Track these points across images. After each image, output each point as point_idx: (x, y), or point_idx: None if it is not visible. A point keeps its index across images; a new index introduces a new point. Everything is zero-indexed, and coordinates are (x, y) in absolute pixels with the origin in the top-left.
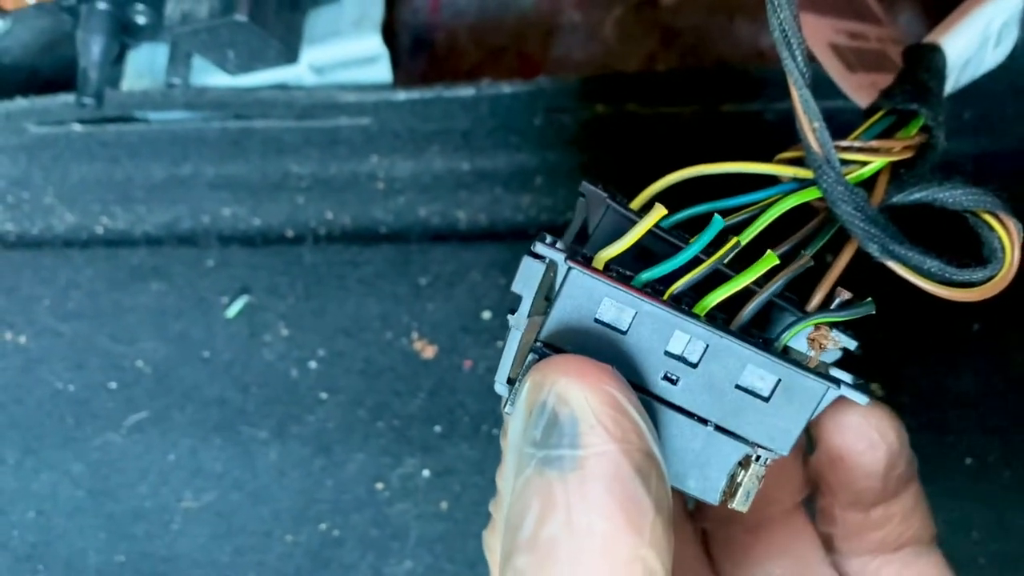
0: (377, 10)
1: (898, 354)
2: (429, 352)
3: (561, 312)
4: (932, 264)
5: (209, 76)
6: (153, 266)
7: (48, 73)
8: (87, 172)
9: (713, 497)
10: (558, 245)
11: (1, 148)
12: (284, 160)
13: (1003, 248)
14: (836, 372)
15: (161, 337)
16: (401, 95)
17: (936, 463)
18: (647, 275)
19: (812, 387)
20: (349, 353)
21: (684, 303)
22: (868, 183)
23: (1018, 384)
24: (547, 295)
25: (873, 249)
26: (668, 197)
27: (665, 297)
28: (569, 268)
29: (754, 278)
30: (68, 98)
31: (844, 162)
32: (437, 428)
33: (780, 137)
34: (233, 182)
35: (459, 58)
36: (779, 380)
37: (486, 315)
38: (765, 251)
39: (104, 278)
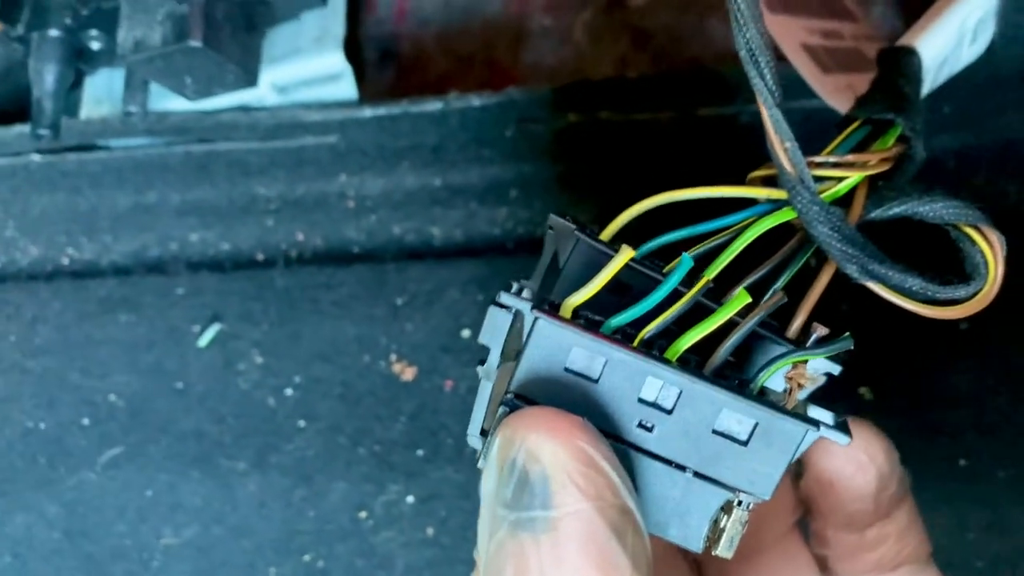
0: (338, 26)
1: (887, 356)
2: (409, 374)
3: (530, 362)
4: (914, 283)
5: (168, 101)
6: (122, 297)
7: (2, 102)
8: (49, 203)
9: (696, 545)
10: (524, 293)
11: None
12: (251, 182)
13: (986, 263)
14: (815, 411)
15: (133, 370)
16: (367, 112)
17: (930, 465)
18: (617, 320)
19: (790, 430)
20: (326, 378)
21: (656, 347)
22: (845, 199)
23: (1009, 382)
24: (516, 344)
25: (852, 270)
26: (642, 222)
27: (636, 342)
28: (536, 318)
29: (726, 318)
30: (24, 128)
31: (819, 179)
32: (420, 452)
33: (758, 139)
34: (200, 207)
35: (427, 68)
36: (756, 423)
37: (465, 333)
38: (743, 274)
39: (72, 311)
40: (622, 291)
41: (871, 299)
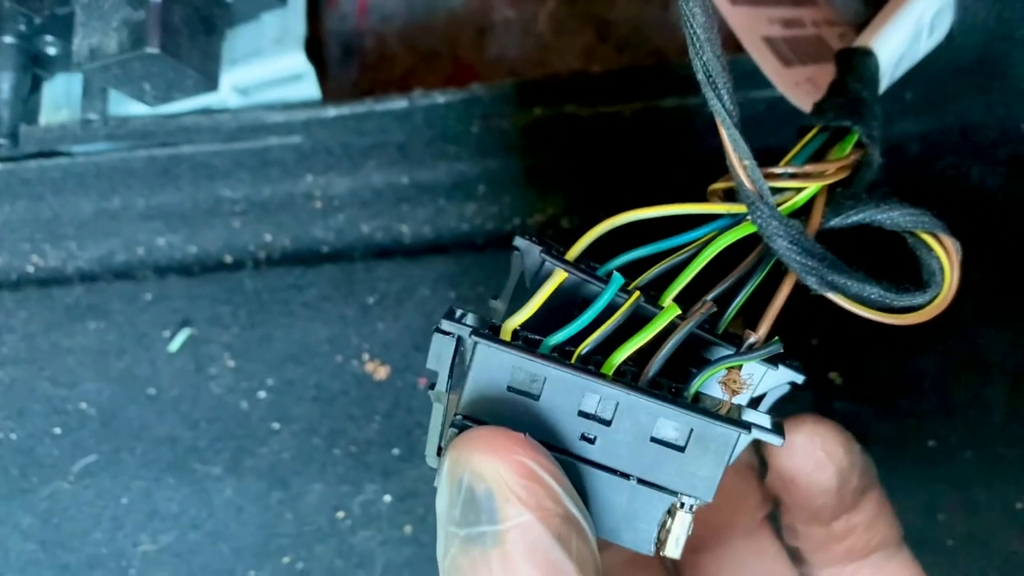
0: (299, 26)
1: (856, 342)
2: (382, 373)
3: (475, 384)
4: (872, 292)
5: (129, 106)
6: (89, 304)
7: None
8: (11, 211)
9: (647, 548)
10: (466, 319)
11: None
12: (215, 185)
13: (942, 270)
14: (751, 415)
15: (104, 377)
16: (331, 111)
17: (899, 447)
18: (554, 339)
19: (724, 433)
20: (299, 380)
21: (592, 363)
22: (805, 208)
23: (977, 365)
24: (463, 367)
25: (812, 282)
26: (611, 238)
27: (573, 359)
28: (476, 343)
29: (656, 332)
30: None
31: (778, 190)
32: (396, 451)
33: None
34: (165, 211)
35: (390, 64)
36: (692, 430)
37: None
38: (709, 286)
39: (39, 319)
40: (582, 308)
41: None
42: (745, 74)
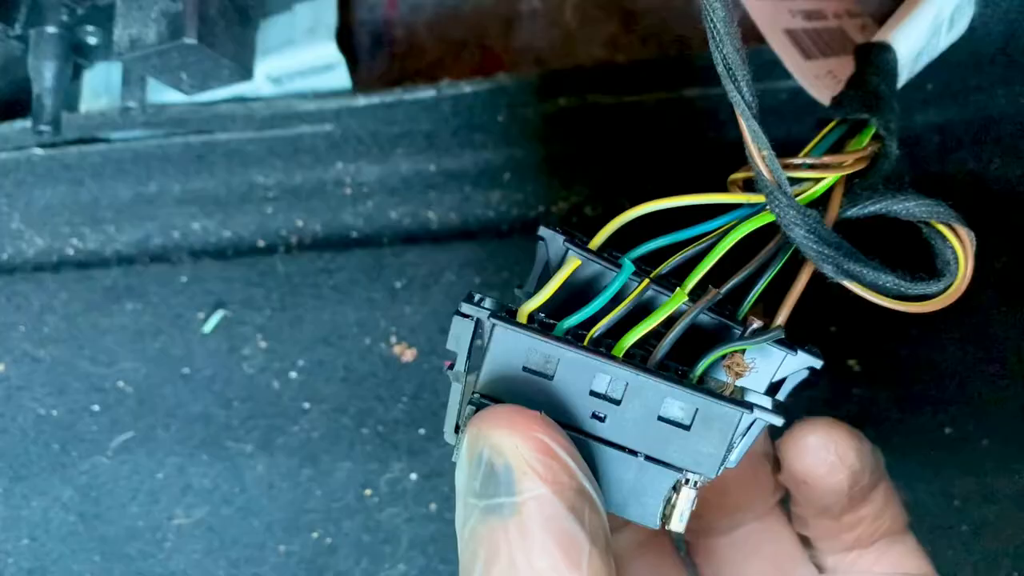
0: (331, 16)
1: (875, 329)
2: (409, 355)
3: (492, 365)
4: (887, 280)
5: (166, 93)
6: (127, 285)
7: (3, 96)
8: (52, 195)
9: (653, 522)
10: (484, 303)
11: None
12: (249, 171)
13: (956, 260)
14: (752, 396)
15: (140, 357)
16: (361, 100)
17: (916, 434)
18: (568, 322)
19: (727, 413)
20: (329, 361)
21: (604, 345)
22: (822, 198)
23: (994, 353)
24: (481, 348)
25: (828, 270)
26: (633, 228)
27: (585, 341)
28: (493, 325)
29: (663, 317)
30: (25, 123)
31: (796, 180)
32: (422, 431)
33: None
34: (200, 196)
35: (419, 54)
36: (696, 409)
37: None
38: (727, 276)
39: (79, 300)
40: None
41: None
42: (766, 64)
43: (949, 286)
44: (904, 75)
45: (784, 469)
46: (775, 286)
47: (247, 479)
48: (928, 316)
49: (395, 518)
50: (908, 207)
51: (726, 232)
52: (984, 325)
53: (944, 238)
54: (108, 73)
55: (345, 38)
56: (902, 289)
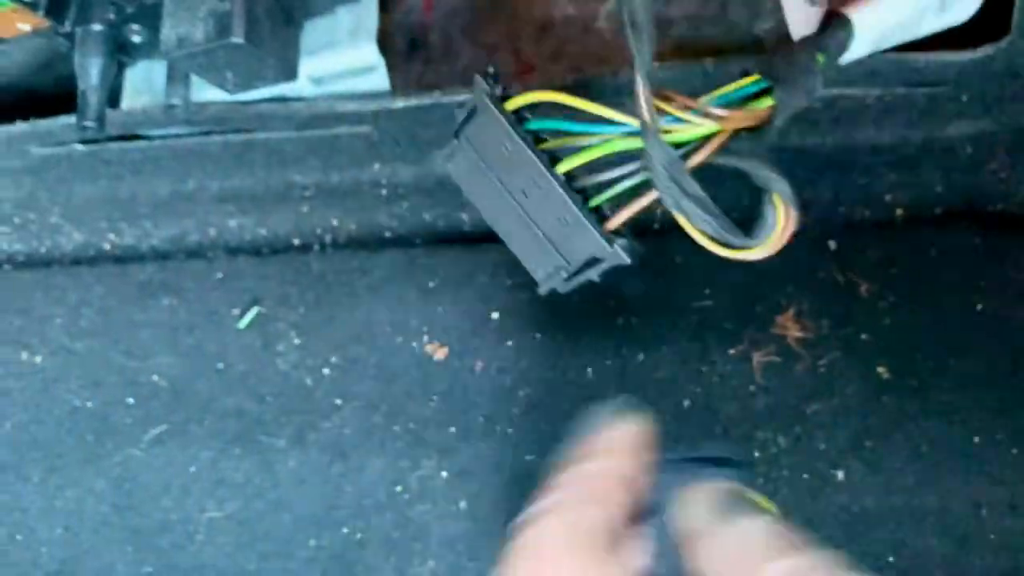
0: (372, 20)
1: (905, 337)
2: (440, 354)
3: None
4: (709, 224)
5: (208, 91)
6: (163, 281)
7: (47, 91)
8: (92, 190)
9: (537, 277)
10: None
11: (5, 170)
12: (287, 170)
13: (774, 228)
14: (620, 241)
15: (175, 351)
16: (399, 103)
17: (945, 443)
18: (535, 124)
19: (591, 235)
20: (362, 359)
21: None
22: (705, 140)
23: (1022, 363)
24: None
25: (667, 200)
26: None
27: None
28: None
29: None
30: (69, 119)
31: (682, 120)
32: (452, 429)
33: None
34: (238, 194)
35: (454, 58)
36: (574, 217)
37: (495, 316)
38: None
39: (115, 294)
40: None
41: (891, 283)
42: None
43: (758, 246)
44: (865, 49)
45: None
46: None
47: (279, 474)
48: (958, 326)
49: (425, 515)
50: (759, 174)
51: (606, 140)
52: (1012, 334)
53: (774, 208)
54: (150, 71)
55: (382, 41)
56: (721, 236)
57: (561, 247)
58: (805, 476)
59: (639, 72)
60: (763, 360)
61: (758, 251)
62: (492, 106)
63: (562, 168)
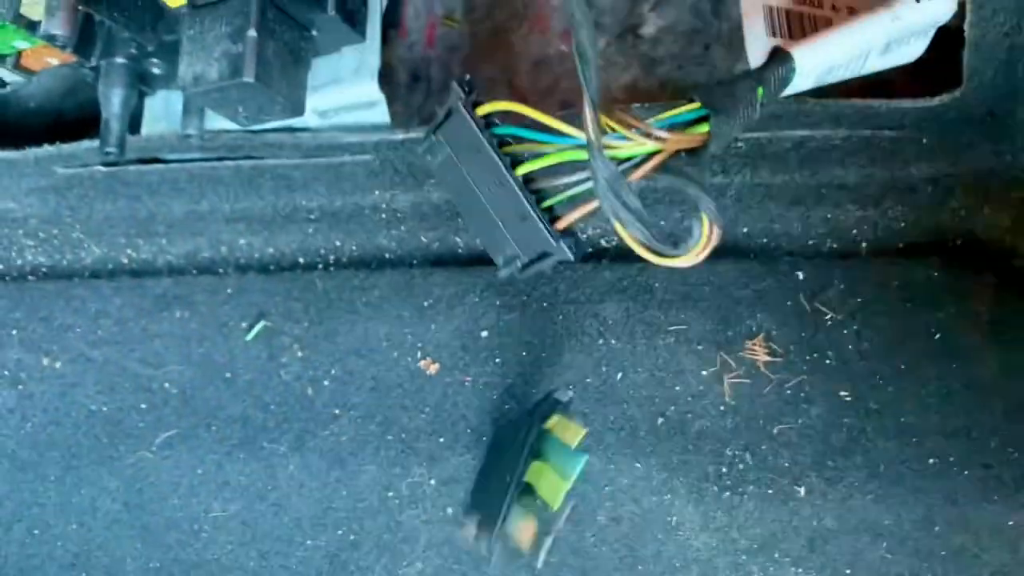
0: (374, 59)
1: (867, 363)
2: (433, 369)
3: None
4: (639, 232)
5: (222, 120)
6: (176, 294)
7: (72, 115)
8: (111, 209)
9: (498, 262)
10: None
11: (32, 189)
12: (294, 195)
13: (698, 242)
14: (566, 240)
15: (186, 361)
16: (399, 135)
17: (902, 463)
18: (501, 130)
19: (540, 231)
20: (360, 372)
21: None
22: (646, 158)
23: (975, 390)
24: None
25: (606, 208)
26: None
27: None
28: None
29: (540, 165)
30: (92, 143)
31: (626, 138)
32: (442, 439)
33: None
34: (248, 215)
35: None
36: (528, 216)
37: (484, 334)
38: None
39: (131, 306)
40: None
41: (856, 312)
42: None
43: (681, 256)
44: (807, 83)
45: None
46: None
47: (279, 477)
48: (917, 353)
49: (414, 519)
50: (691, 194)
51: (559, 150)
52: (965, 363)
53: (700, 224)
54: (168, 100)
55: (384, 73)
56: (651, 245)
57: (517, 240)
58: (770, 491)
59: (585, 96)
60: (733, 381)
61: (683, 260)
62: (464, 110)
63: (521, 170)
